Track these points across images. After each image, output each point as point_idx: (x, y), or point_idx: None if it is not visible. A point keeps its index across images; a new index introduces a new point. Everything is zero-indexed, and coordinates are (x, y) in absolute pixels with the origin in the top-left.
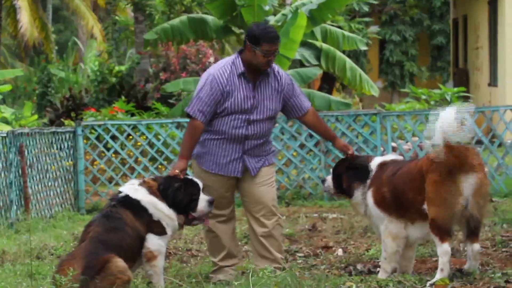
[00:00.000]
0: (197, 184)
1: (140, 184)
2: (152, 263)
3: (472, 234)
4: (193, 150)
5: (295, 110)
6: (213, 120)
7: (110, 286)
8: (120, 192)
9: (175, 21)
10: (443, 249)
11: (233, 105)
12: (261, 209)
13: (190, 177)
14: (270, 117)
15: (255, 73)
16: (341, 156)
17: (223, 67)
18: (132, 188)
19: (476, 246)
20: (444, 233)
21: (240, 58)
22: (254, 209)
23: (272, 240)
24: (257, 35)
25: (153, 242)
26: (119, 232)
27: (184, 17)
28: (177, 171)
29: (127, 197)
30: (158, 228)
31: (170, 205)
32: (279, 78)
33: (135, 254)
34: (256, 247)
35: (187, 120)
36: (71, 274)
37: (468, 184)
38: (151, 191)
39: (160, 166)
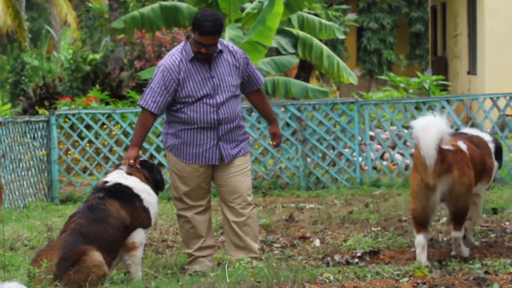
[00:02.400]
0: (152, 163)
1: (129, 174)
2: (132, 253)
3: (452, 222)
4: (143, 139)
5: (251, 84)
6: (183, 110)
7: (84, 279)
8: (107, 181)
9: (146, 8)
10: (417, 240)
11: (194, 90)
12: (236, 198)
13: (144, 159)
14: (235, 95)
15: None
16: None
17: (173, 55)
18: (122, 176)
19: (453, 233)
20: (418, 225)
21: (188, 44)
22: (229, 199)
23: (248, 229)
24: (195, 22)
25: (139, 235)
26: (101, 224)
27: (156, 4)
28: (131, 161)
29: (117, 185)
30: (146, 217)
31: (156, 187)
32: (234, 53)
33: (118, 244)
34: (231, 237)
35: None
36: (45, 265)
37: (441, 184)
38: (141, 178)
39: None
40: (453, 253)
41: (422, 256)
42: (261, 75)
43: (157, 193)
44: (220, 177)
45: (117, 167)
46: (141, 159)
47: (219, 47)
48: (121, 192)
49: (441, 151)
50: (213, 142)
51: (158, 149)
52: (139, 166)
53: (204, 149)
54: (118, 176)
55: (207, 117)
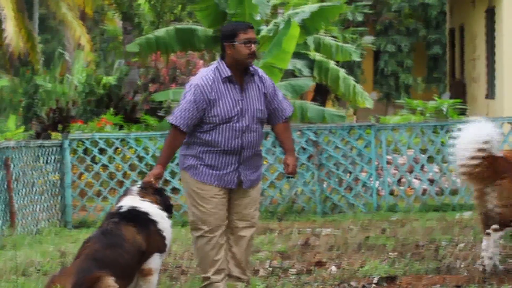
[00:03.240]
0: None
1: (142, 198)
2: (148, 279)
3: (496, 226)
4: (170, 159)
5: (278, 114)
6: (208, 132)
7: None
8: (120, 207)
9: (161, 31)
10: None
11: (223, 111)
12: (245, 228)
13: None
14: (261, 120)
15: (241, 75)
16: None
17: (206, 74)
18: (135, 201)
19: (493, 235)
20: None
21: (223, 63)
22: (240, 225)
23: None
24: (230, 29)
25: (155, 260)
26: (117, 249)
27: (171, 27)
28: (151, 178)
29: (132, 209)
30: (161, 242)
31: (168, 211)
32: (264, 81)
33: (133, 270)
34: (231, 266)
35: None
36: None
37: (490, 191)
38: (155, 203)
39: None
40: (478, 263)
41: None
42: (289, 106)
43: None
44: (234, 204)
45: (127, 189)
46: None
47: (251, 70)
48: (136, 217)
49: (492, 158)
50: (233, 166)
51: (172, 174)
52: (157, 185)
53: (224, 173)
54: (132, 201)
55: (231, 142)
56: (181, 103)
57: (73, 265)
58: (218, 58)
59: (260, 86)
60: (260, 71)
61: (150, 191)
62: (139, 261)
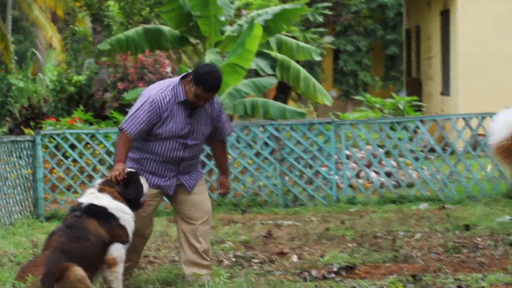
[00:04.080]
0: (136, 172)
1: (100, 191)
2: (113, 269)
3: None
4: (126, 155)
5: (217, 134)
6: (150, 142)
7: None
8: (81, 203)
9: (131, 31)
10: None
11: (170, 131)
12: (202, 216)
13: (127, 169)
14: (203, 141)
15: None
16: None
17: (164, 91)
18: (95, 197)
19: None
20: None
21: (181, 86)
22: (194, 215)
23: (207, 248)
24: (201, 77)
25: (117, 250)
26: (82, 241)
27: (140, 28)
28: (116, 172)
29: (92, 205)
30: (123, 234)
31: (130, 204)
32: (212, 104)
33: (98, 261)
34: (187, 254)
35: None
36: (30, 281)
37: None
38: (113, 196)
39: None
40: None
41: None
42: (230, 128)
43: (134, 209)
44: (181, 199)
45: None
46: (129, 170)
47: None
48: (97, 212)
49: None
50: (172, 173)
51: None
52: (122, 179)
53: (163, 180)
54: (91, 197)
55: (173, 154)
56: (135, 111)
57: (42, 257)
58: (179, 78)
59: (208, 110)
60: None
61: (112, 184)
62: (103, 252)
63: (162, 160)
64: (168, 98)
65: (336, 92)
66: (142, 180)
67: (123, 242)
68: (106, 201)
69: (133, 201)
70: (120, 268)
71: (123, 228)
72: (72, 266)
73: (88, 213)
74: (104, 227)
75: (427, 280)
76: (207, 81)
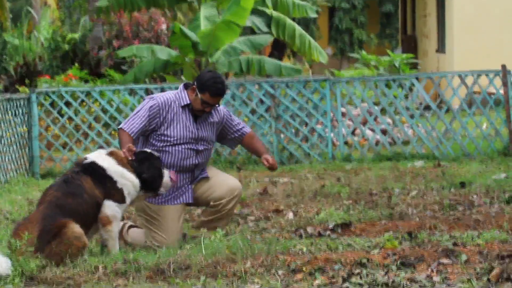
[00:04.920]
0: (157, 156)
1: (108, 154)
2: (107, 228)
3: None
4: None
5: (239, 135)
6: (163, 155)
7: (65, 251)
8: (86, 158)
9: None
10: None
11: (178, 135)
12: (232, 191)
13: (150, 151)
14: (212, 146)
15: None
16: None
17: (167, 94)
18: (100, 156)
19: None
20: None
21: (185, 92)
22: (222, 195)
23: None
24: (206, 84)
25: (110, 208)
26: (77, 198)
27: None
28: (126, 146)
29: (92, 163)
30: (118, 196)
31: (145, 183)
32: (218, 111)
33: (91, 220)
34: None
35: (140, 86)
36: (26, 237)
37: None
38: (119, 161)
39: (113, 132)
40: None
41: None
42: (246, 126)
43: (148, 187)
44: (205, 187)
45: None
46: (151, 152)
47: None
48: (95, 171)
49: None
50: (187, 182)
51: None
52: (132, 154)
53: (181, 191)
54: (96, 156)
55: (186, 162)
56: (136, 113)
57: (38, 212)
58: (181, 85)
59: (214, 117)
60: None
61: (132, 157)
62: (97, 212)
63: (176, 171)
64: (170, 101)
65: (331, 49)
66: (165, 172)
67: (117, 201)
68: (108, 163)
69: (148, 181)
70: (114, 227)
71: (118, 190)
72: (69, 223)
73: (87, 171)
74: (99, 188)
75: (423, 238)
76: (212, 86)
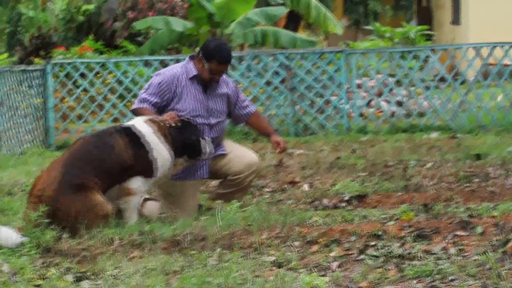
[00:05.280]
0: (195, 125)
1: (148, 121)
2: (127, 199)
3: None
4: None
5: (244, 113)
6: None
7: (85, 216)
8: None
9: None
10: None
11: (189, 108)
12: (251, 166)
13: (189, 118)
14: (225, 119)
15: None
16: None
17: (174, 68)
18: (139, 122)
19: None
20: None
21: (192, 63)
22: (241, 169)
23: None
24: (212, 52)
25: (135, 182)
26: (103, 154)
27: None
28: (169, 115)
29: (132, 127)
30: (148, 168)
31: (179, 149)
32: (226, 83)
33: (113, 180)
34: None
35: (156, 57)
36: (40, 210)
37: None
38: (158, 130)
39: (128, 104)
40: None
41: None
42: (252, 105)
43: (191, 155)
44: (224, 162)
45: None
46: (188, 118)
47: None
48: (131, 135)
49: None
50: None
51: None
52: (176, 122)
53: (196, 167)
54: (135, 121)
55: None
56: (146, 89)
57: (62, 159)
58: (187, 57)
59: (223, 88)
60: (223, 77)
61: (170, 125)
62: (120, 175)
63: None
64: (178, 74)
65: (346, 21)
66: (206, 139)
67: (145, 175)
68: (146, 130)
69: (189, 148)
70: (134, 199)
71: (149, 162)
72: (94, 189)
73: (123, 132)
74: (130, 151)
75: (438, 209)
76: (219, 54)
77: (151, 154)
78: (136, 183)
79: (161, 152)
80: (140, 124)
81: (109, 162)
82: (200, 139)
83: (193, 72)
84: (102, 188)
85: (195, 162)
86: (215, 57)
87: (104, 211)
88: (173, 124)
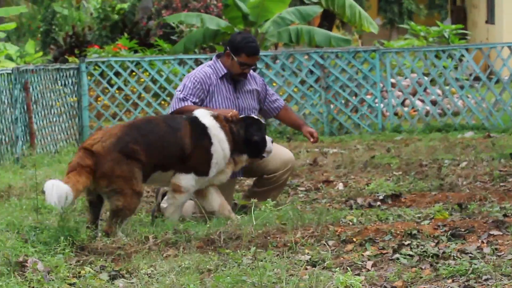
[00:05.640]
0: (263, 122)
1: (213, 116)
2: (174, 194)
3: None
4: None
5: (274, 108)
6: None
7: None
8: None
9: None
10: None
11: (216, 106)
12: (286, 164)
13: (256, 116)
14: (256, 115)
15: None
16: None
17: (203, 68)
18: (204, 114)
19: None
20: None
21: (219, 62)
22: (277, 167)
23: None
24: (239, 45)
25: (186, 179)
26: (167, 132)
27: None
28: (230, 112)
29: (198, 118)
30: (203, 163)
31: (241, 147)
32: (254, 77)
33: (160, 162)
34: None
35: (190, 56)
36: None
37: None
38: (221, 126)
39: (163, 102)
40: None
41: None
42: (280, 98)
43: (253, 154)
44: (260, 166)
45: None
46: (256, 117)
47: None
48: (196, 124)
49: None
50: None
51: None
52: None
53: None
54: (202, 113)
55: None
56: (182, 91)
57: (123, 125)
58: (214, 57)
59: (252, 84)
60: (251, 72)
61: (233, 121)
62: (171, 161)
63: None
64: (209, 74)
65: (380, 20)
66: (268, 138)
67: (198, 172)
68: (211, 123)
69: (254, 146)
70: (181, 197)
71: (208, 156)
72: (137, 167)
73: (191, 121)
74: (192, 139)
75: (473, 209)
76: (247, 46)
77: (212, 148)
78: (188, 181)
79: (220, 147)
80: (204, 117)
81: (168, 143)
82: (266, 137)
83: (223, 70)
84: (146, 168)
85: (256, 160)
86: (243, 50)
87: (138, 188)
88: (236, 121)
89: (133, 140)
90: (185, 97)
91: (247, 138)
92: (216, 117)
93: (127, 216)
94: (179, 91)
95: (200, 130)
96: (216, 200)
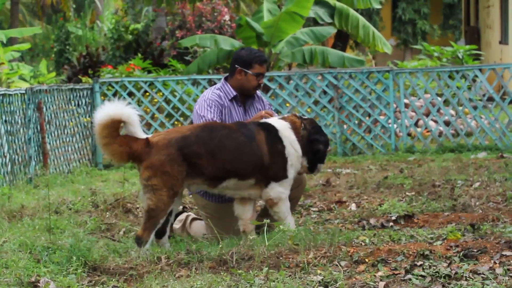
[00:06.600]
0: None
1: (283, 119)
2: (274, 209)
3: None
4: None
5: None
6: None
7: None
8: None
9: None
10: None
11: None
12: (295, 184)
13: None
14: None
15: (244, 97)
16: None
17: (213, 91)
18: (272, 120)
19: None
20: None
21: (228, 85)
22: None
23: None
24: (249, 58)
25: (273, 190)
26: (245, 141)
27: None
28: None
29: (269, 124)
30: (280, 168)
31: (307, 150)
32: (261, 99)
33: (244, 168)
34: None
35: (204, 76)
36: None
37: None
38: (292, 126)
39: (176, 122)
40: None
41: None
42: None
43: (313, 160)
44: None
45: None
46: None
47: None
48: (269, 130)
49: None
50: None
51: None
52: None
53: None
54: (269, 119)
55: None
56: (201, 114)
57: (192, 126)
58: (222, 80)
59: (260, 106)
60: (258, 93)
61: (305, 125)
62: (254, 169)
63: None
64: (221, 96)
65: (394, 40)
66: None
67: (278, 178)
68: (281, 125)
69: (318, 153)
70: (281, 207)
71: (283, 160)
72: (183, 171)
73: (261, 127)
74: (268, 145)
75: (485, 229)
76: (256, 57)
77: (286, 150)
78: (274, 191)
79: (294, 148)
80: (273, 121)
81: (244, 150)
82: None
83: (232, 93)
84: (208, 173)
85: (309, 172)
86: (254, 61)
87: (176, 190)
88: (308, 125)
89: (199, 142)
90: (212, 118)
91: (312, 146)
92: (284, 119)
93: (159, 217)
94: (200, 115)
95: (272, 134)
96: (249, 212)
